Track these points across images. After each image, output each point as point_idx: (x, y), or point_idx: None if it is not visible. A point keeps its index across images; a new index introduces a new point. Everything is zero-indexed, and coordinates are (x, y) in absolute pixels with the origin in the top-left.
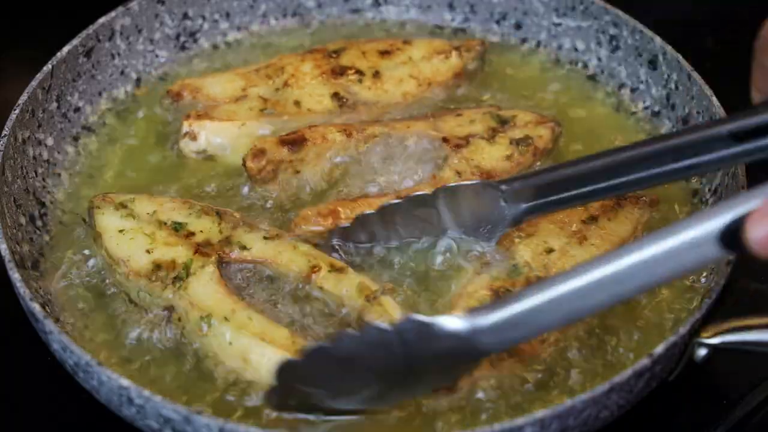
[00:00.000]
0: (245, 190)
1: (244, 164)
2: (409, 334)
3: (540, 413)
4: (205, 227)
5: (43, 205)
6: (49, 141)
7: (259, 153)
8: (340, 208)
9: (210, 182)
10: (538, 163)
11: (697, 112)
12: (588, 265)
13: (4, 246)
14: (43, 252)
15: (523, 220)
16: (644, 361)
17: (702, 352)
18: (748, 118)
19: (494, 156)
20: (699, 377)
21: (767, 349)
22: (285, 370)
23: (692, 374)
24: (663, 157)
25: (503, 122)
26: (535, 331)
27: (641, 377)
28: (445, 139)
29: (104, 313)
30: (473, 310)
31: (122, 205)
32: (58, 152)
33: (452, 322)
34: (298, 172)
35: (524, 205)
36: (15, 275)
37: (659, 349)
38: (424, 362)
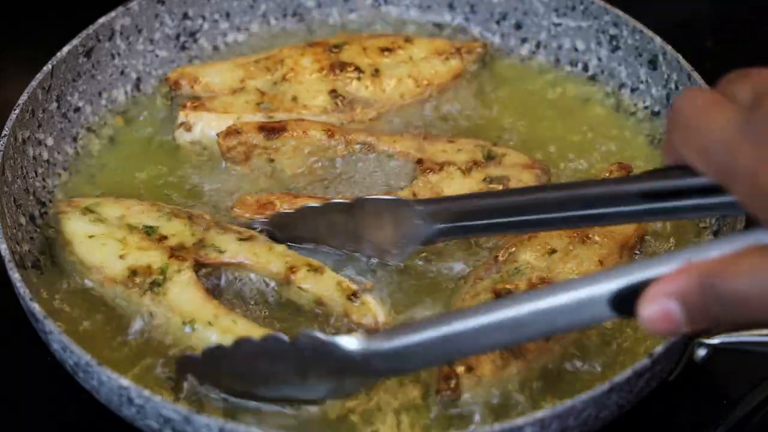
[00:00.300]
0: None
1: (217, 140)
2: (306, 348)
3: (540, 413)
4: (177, 230)
5: (43, 205)
6: (49, 141)
7: (232, 132)
8: (278, 201)
9: (209, 180)
10: None
11: None
12: (490, 306)
13: (4, 246)
14: (43, 252)
15: (435, 241)
16: (644, 361)
17: (702, 352)
18: (659, 180)
19: (459, 189)
20: (699, 377)
21: (767, 349)
22: (183, 364)
23: (692, 374)
24: (569, 204)
25: (490, 157)
26: (429, 364)
27: (641, 377)
28: (419, 161)
29: (104, 313)
30: (372, 335)
31: (89, 210)
32: (58, 152)
33: (347, 342)
34: (272, 160)
35: (438, 227)
36: (15, 275)
37: (659, 349)
38: (318, 376)
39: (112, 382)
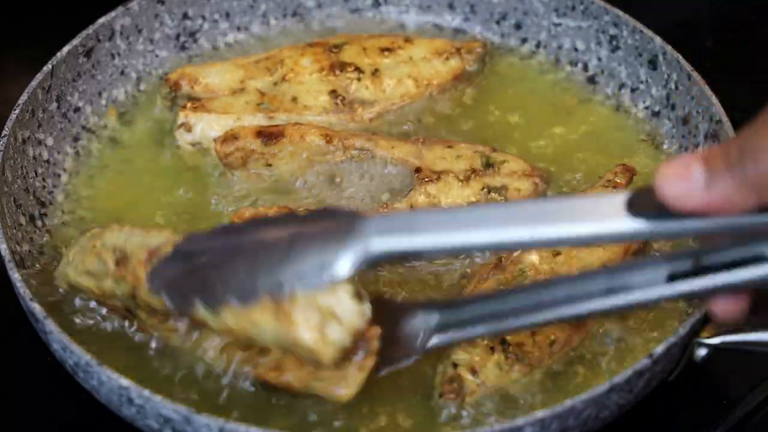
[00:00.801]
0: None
1: (214, 145)
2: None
3: (540, 413)
4: None
5: (43, 205)
6: (49, 141)
7: (230, 138)
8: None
9: (209, 179)
10: None
11: (697, 112)
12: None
13: (4, 246)
14: (43, 252)
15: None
16: (644, 361)
17: (702, 352)
18: (685, 260)
19: (458, 199)
20: (699, 377)
21: (767, 349)
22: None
23: (692, 374)
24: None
25: (489, 165)
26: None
27: (641, 377)
28: (417, 170)
29: (104, 313)
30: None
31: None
32: (58, 152)
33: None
34: (269, 165)
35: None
36: (15, 275)
37: (659, 349)
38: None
39: (112, 382)
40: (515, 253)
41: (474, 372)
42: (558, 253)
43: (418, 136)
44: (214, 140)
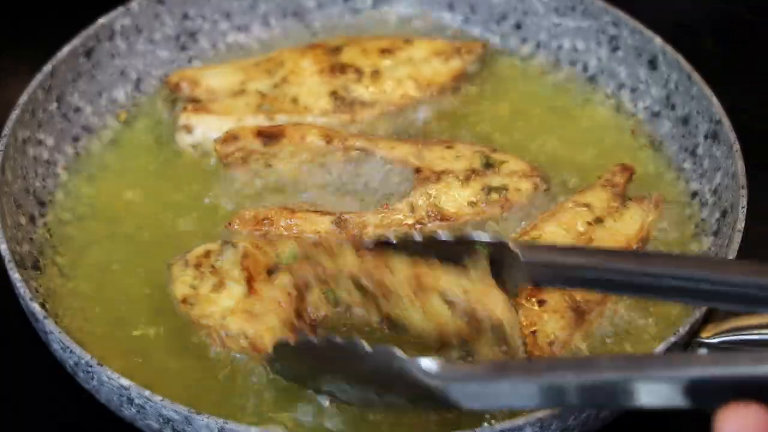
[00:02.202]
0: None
1: (214, 145)
2: (380, 361)
3: (540, 413)
4: None
5: (43, 205)
6: (49, 141)
7: (230, 138)
8: (276, 217)
9: (209, 179)
10: (505, 215)
11: (697, 112)
12: (578, 362)
13: (4, 246)
14: (43, 251)
15: None
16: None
17: (702, 352)
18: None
19: (458, 199)
20: None
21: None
22: (277, 349)
23: None
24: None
25: (489, 165)
26: (499, 406)
27: None
28: (417, 170)
29: (104, 311)
30: (452, 368)
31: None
32: (58, 152)
33: (426, 367)
34: (269, 165)
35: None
36: (15, 275)
37: (659, 349)
38: (394, 390)
39: (112, 382)
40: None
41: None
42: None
43: (418, 137)
44: (215, 140)
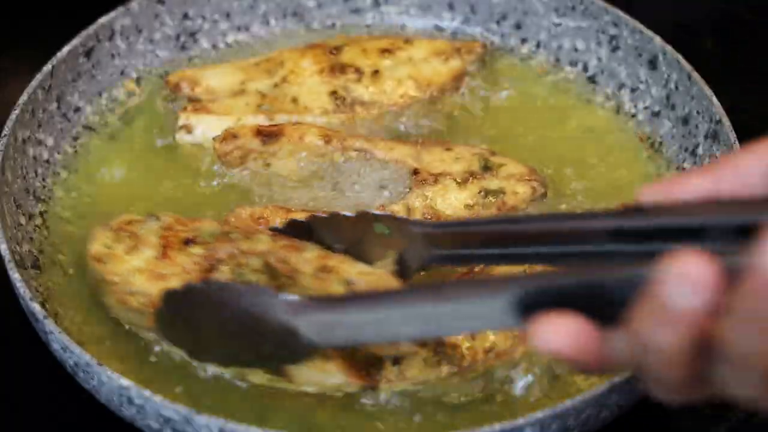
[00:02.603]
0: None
1: (213, 144)
2: (249, 299)
3: (540, 413)
4: None
5: (43, 204)
6: (49, 141)
7: (229, 137)
8: (271, 216)
9: (209, 179)
10: None
11: (697, 112)
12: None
13: (4, 246)
14: (43, 251)
15: (430, 266)
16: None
17: None
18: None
19: (455, 202)
20: None
21: None
22: (165, 299)
23: None
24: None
25: (487, 168)
26: (359, 341)
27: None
28: (415, 171)
29: (104, 312)
30: (310, 300)
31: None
32: (58, 152)
33: (287, 299)
34: (268, 164)
35: (435, 252)
36: (15, 275)
37: None
38: (259, 341)
39: (112, 382)
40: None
41: (396, 361)
42: None
43: (417, 138)
44: (213, 139)
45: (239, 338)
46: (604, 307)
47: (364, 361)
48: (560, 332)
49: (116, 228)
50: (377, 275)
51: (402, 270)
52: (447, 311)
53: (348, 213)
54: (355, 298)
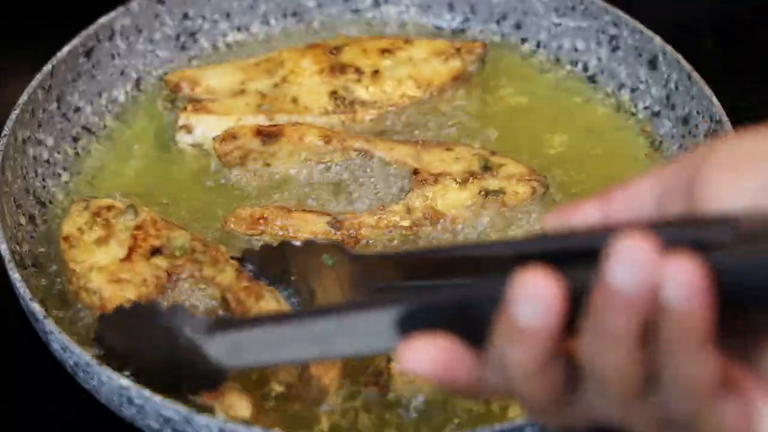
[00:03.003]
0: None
1: (213, 144)
2: (167, 318)
3: None
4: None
5: (43, 205)
6: (49, 141)
7: (229, 137)
8: (272, 217)
9: (209, 179)
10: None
11: (697, 112)
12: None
13: (4, 246)
14: (43, 251)
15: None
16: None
17: None
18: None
19: (455, 202)
20: None
21: None
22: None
23: None
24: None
25: (487, 168)
26: (263, 363)
27: None
28: (415, 171)
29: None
30: (218, 321)
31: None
32: (58, 152)
33: (198, 320)
34: (268, 164)
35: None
36: (15, 275)
37: None
38: (174, 359)
39: (112, 382)
40: None
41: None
42: None
43: (417, 138)
44: (213, 139)
45: (163, 361)
46: (475, 326)
47: (375, 373)
48: (427, 353)
49: (94, 211)
50: None
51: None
52: (334, 329)
53: (296, 242)
54: (257, 318)
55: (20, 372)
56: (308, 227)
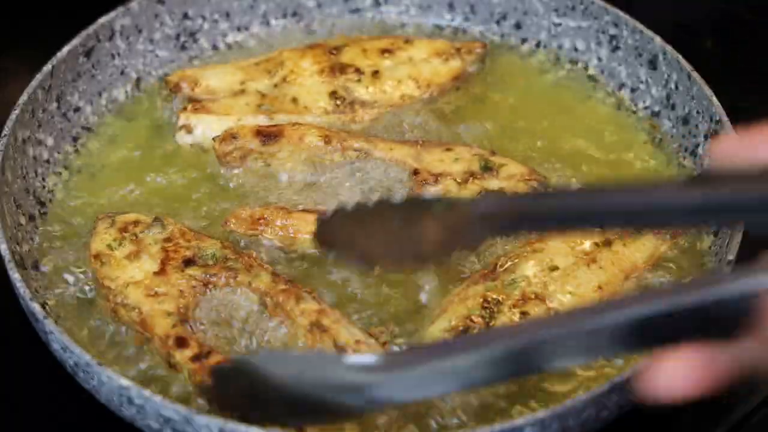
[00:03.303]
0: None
1: (213, 144)
2: (305, 366)
3: (540, 413)
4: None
5: (43, 205)
6: (49, 141)
7: (229, 137)
8: (272, 217)
9: (209, 179)
10: None
11: (697, 112)
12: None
13: (4, 246)
14: (43, 251)
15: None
16: (644, 361)
17: None
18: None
19: None
20: None
21: None
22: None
23: None
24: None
25: (487, 168)
26: (437, 392)
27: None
28: (416, 171)
29: (104, 312)
30: (389, 358)
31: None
32: (58, 152)
33: (361, 361)
34: (268, 165)
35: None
36: (15, 275)
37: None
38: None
39: (112, 382)
40: (508, 263)
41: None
42: (555, 268)
43: (417, 138)
44: (213, 139)
45: (295, 401)
46: (720, 325)
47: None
48: (680, 377)
49: (120, 227)
50: (369, 345)
51: (451, 246)
52: (558, 337)
53: (396, 200)
54: (435, 347)
55: (20, 372)
56: (308, 227)
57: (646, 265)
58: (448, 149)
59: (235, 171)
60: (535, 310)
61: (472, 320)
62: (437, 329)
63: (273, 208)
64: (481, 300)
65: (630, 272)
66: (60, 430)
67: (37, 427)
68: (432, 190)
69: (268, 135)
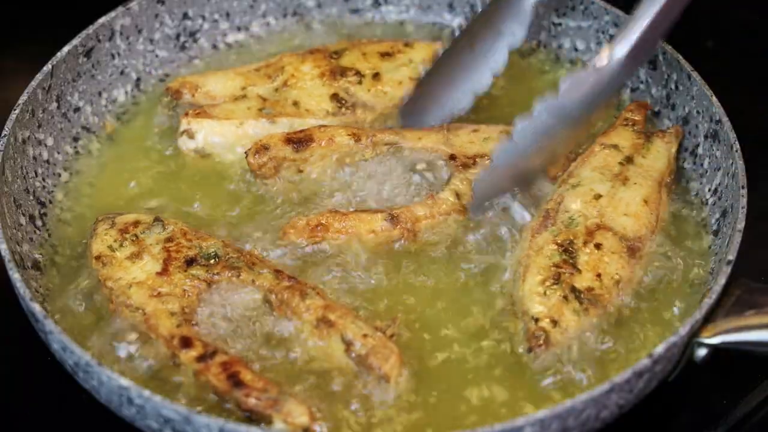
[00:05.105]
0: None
1: (246, 158)
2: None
3: (540, 413)
4: None
5: (43, 205)
6: (49, 141)
7: (261, 149)
8: (329, 222)
9: (208, 181)
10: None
11: (697, 112)
12: None
13: (4, 246)
14: (43, 252)
15: None
16: (644, 361)
17: (702, 352)
18: None
19: None
20: (699, 377)
21: (767, 349)
22: None
23: (692, 374)
24: None
25: None
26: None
27: (641, 377)
28: (452, 157)
29: (104, 313)
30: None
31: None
32: (58, 152)
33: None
34: (300, 171)
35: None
36: (15, 275)
37: (659, 349)
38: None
39: (112, 382)
40: (557, 205)
41: (555, 323)
42: (599, 196)
43: (441, 124)
44: (246, 153)
45: None
46: None
47: (533, 336)
48: None
49: (121, 228)
50: (377, 339)
51: None
52: None
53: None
54: None
55: (20, 372)
56: (365, 226)
57: (668, 170)
58: (475, 130)
59: (269, 181)
60: (607, 238)
61: (558, 266)
62: (531, 286)
63: (328, 213)
64: (555, 246)
65: (660, 180)
66: (60, 430)
67: (37, 427)
68: (473, 172)
69: (298, 141)
